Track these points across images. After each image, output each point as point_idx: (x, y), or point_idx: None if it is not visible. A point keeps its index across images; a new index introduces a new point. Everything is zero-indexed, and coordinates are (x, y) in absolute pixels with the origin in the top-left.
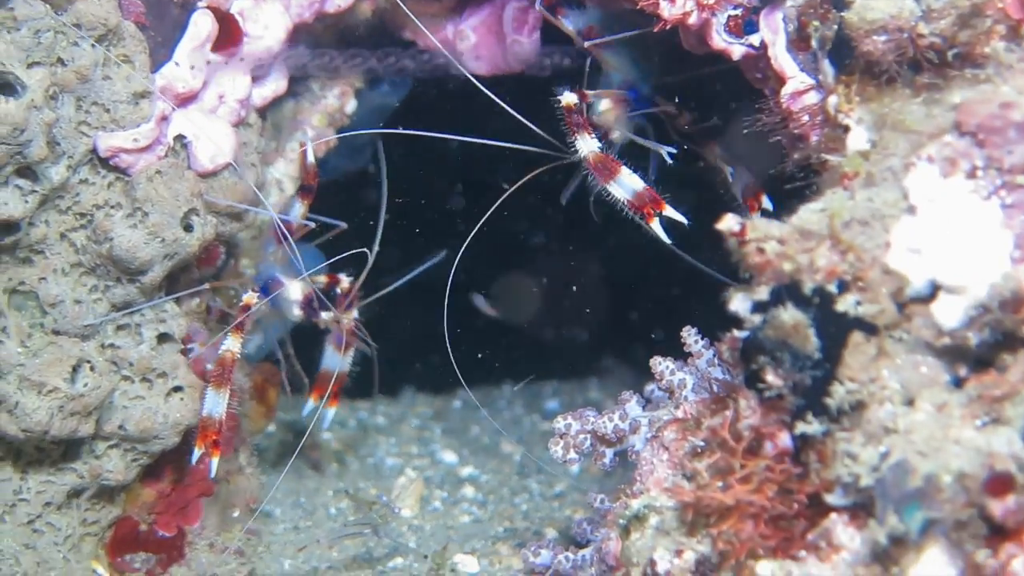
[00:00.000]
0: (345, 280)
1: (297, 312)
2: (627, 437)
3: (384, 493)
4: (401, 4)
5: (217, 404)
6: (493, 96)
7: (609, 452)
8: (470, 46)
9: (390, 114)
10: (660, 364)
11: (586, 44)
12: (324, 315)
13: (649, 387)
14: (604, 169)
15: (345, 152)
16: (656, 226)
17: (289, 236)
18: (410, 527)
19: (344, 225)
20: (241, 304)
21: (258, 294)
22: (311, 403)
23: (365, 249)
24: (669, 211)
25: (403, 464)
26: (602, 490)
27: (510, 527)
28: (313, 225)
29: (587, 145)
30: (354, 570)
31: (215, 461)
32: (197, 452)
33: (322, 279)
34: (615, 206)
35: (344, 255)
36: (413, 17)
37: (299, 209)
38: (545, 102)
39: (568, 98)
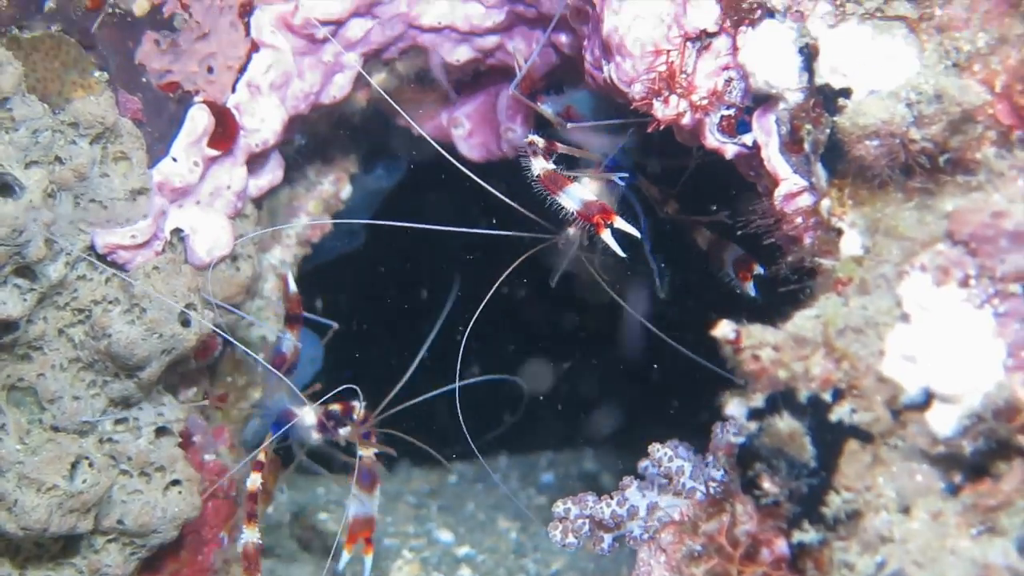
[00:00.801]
0: (359, 407)
1: (315, 436)
2: (625, 523)
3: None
4: (390, 100)
5: (254, 537)
6: (485, 184)
7: (607, 537)
8: (464, 133)
9: (385, 198)
10: (658, 451)
11: (568, 126)
12: (342, 432)
13: (644, 463)
14: (553, 183)
15: (340, 235)
16: (607, 237)
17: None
18: None
19: (335, 325)
20: (248, 490)
21: (259, 472)
22: (346, 555)
23: (355, 387)
24: (620, 223)
25: (400, 545)
26: (598, 568)
27: None
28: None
29: (538, 164)
30: None
31: None
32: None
33: (336, 408)
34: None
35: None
36: (405, 113)
37: (289, 342)
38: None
39: (531, 137)
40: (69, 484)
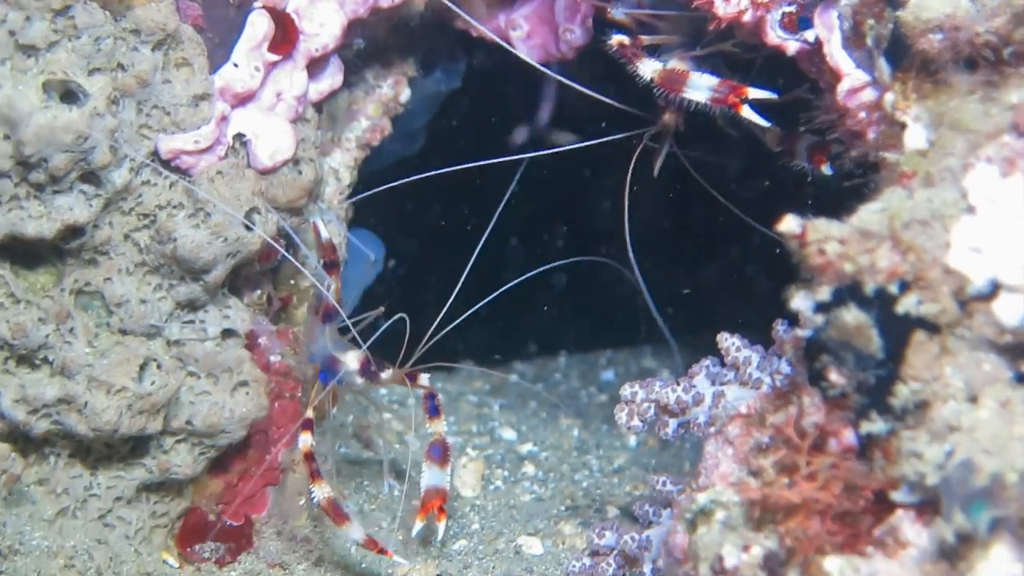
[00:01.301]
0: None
1: (360, 380)
2: (690, 409)
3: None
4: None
5: (355, 532)
6: (558, 77)
7: (672, 422)
8: (522, 35)
9: (443, 101)
10: (726, 340)
11: (636, 11)
12: (384, 375)
13: (706, 361)
14: (673, 80)
15: (400, 138)
16: (748, 113)
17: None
18: (472, 507)
19: (373, 256)
20: (301, 452)
21: (310, 425)
22: (418, 523)
23: (403, 315)
24: (755, 92)
25: (463, 443)
26: (659, 464)
27: (571, 505)
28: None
29: (649, 67)
30: (419, 553)
31: (396, 558)
32: (338, 529)
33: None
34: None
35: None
36: (462, 12)
37: (333, 285)
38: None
39: (618, 38)
40: (138, 386)
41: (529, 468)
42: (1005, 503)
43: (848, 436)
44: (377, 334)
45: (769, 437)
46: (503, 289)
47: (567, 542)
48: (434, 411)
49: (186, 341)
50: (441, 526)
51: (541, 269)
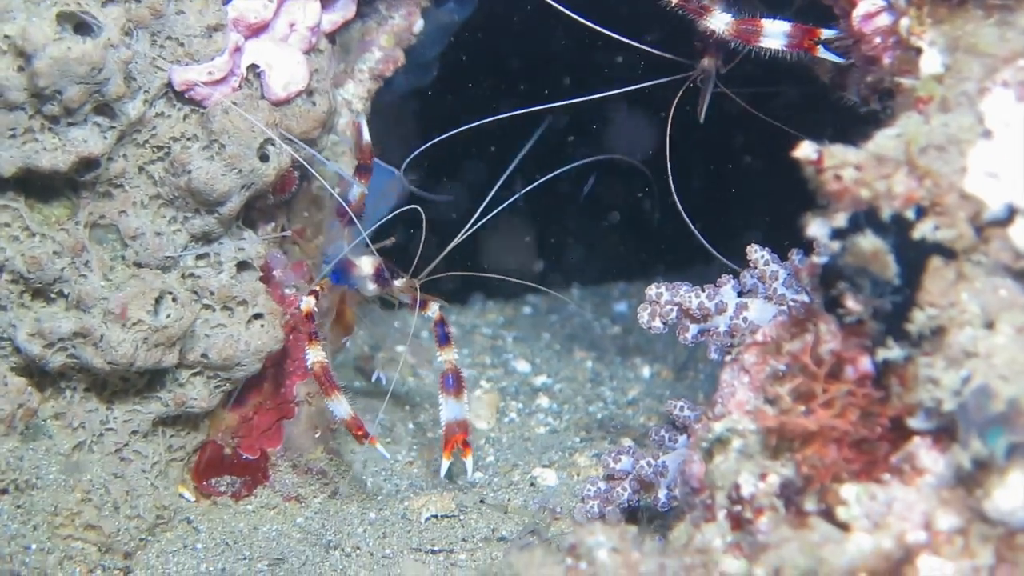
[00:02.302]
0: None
1: (372, 287)
2: (712, 316)
3: None
4: None
5: (342, 407)
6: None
7: (693, 327)
8: None
9: (456, 31)
10: (756, 252)
11: None
12: (397, 283)
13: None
14: (749, 31)
15: (413, 70)
16: (824, 54)
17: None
18: (487, 440)
19: (397, 172)
20: (303, 313)
21: (313, 295)
22: (445, 462)
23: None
24: (827, 33)
25: (477, 376)
26: (674, 394)
27: (586, 437)
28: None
29: (720, 19)
30: (434, 486)
31: (379, 446)
32: (364, 446)
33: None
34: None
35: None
36: None
37: (357, 190)
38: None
39: None
40: (153, 319)
41: (543, 400)
42: (1022, 429)
43: (865, 363)
44: (388, 216)
45: (785, 365)
46: (519, 194)
47: (581, 473)
48: (444, 339)
49: (201, 274)
50: (469, 461)
51: (551, 175)
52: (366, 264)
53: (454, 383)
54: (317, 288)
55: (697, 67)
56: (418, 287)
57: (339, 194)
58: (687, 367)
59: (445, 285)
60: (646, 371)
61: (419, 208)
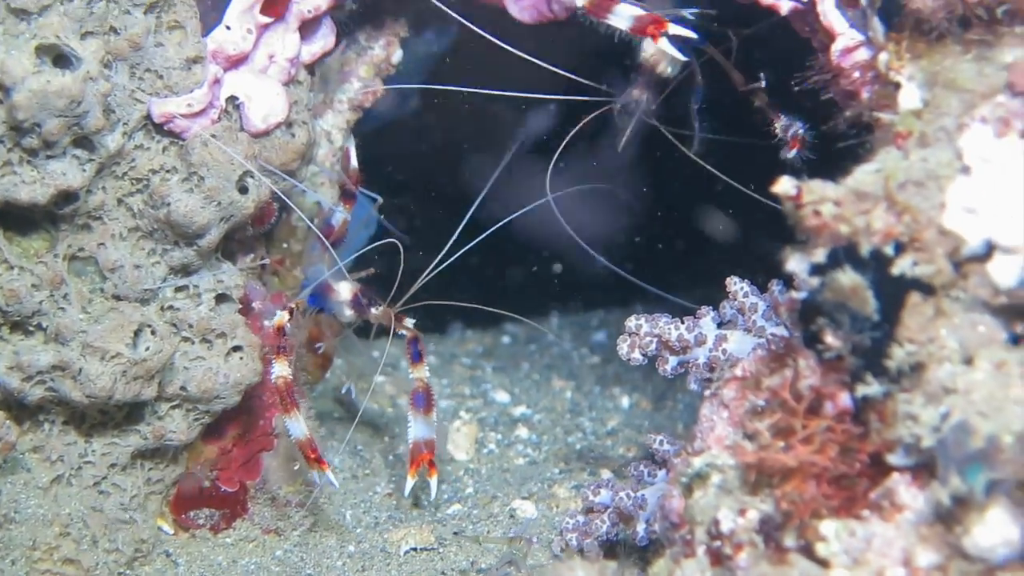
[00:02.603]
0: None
1: (348, 312)
2: (691, 348)
3: (440, 437)
4: None
5: (298, 427)
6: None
7: (672, 359)
8: None
9: (436, 63)
10: (735, 284)
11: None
12: (374, 311)
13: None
14: (599, 7)
15: (393, 100)
16: (664, 45)
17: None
18: (467, 471)
19: (379, 199)
20: (275, 327)
21: (288, 310)
22: (410, 480)
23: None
24: (675, 28)
25: (456, 406)
26: (653, 426)
27: (565, 468)
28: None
29: None
30: (413, 519)
31: (329, 474)
32: (315, 474)
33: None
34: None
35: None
36: None
37: (340, 215)
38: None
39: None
40: (132, 351)
41: (522, 431)
42: (1001, 465)
43: (844, 399)
44: (365, 250)
45: (765, 400)
46: (494, 228)
47: (561, 505)
48: (417, 356)
49: (180, 306)
50: (433, 482)
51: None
52: (344, 289)
53: (424, 401)
54: (292, 305)
55: (622, 96)
56: (393, 316)
57: (322, 218)
58: (666, 397)
59: (423, 313)
60: (625, 401)
61: (397, 242)
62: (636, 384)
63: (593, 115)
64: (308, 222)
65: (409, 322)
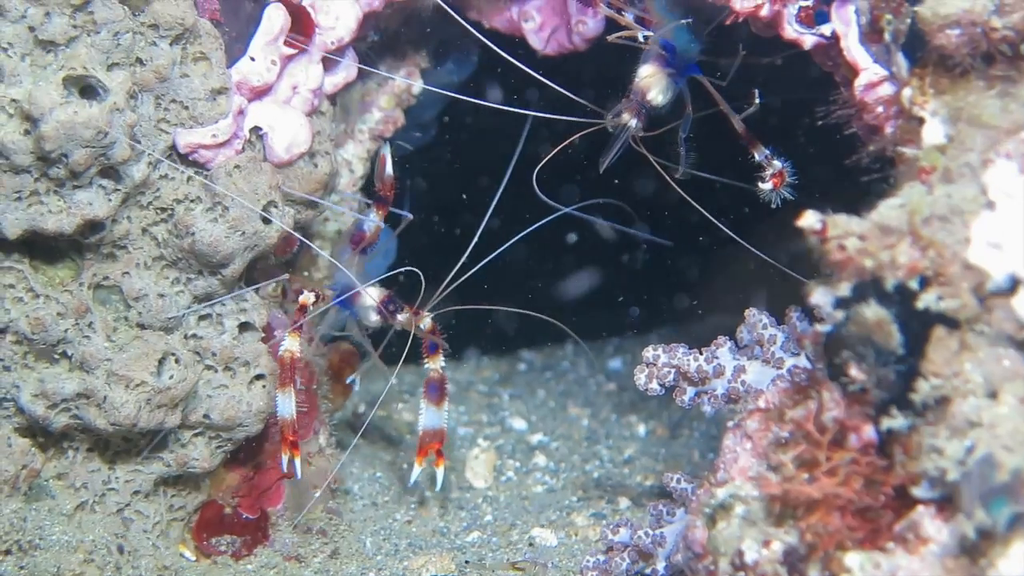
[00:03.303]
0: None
1: (375, 317)
2: (710, 379)
3: (458, 465)
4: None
5: (286, 405)
6: (538, 75)
7: (690, 390)
8: (535, 26)
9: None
10: (754, 316)
11: (644, 36)
12: (400, 317)
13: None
14: None
15: (412, 128)
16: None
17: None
18: (485, 499)
19: (410, 216)
20: (298, 305)
21: (315, 293)
22: (417, 468)
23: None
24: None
25: (474, 434)
26: (669, 454)
27: (583, 496)
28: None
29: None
30: (433, 546)
31: (297, 461)
32: (285, 458)
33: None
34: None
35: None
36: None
37: (374, 220)
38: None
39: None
40: (157, 380)
41: (540, 459)
42: None
43: (868, 432)
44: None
45: (789, 432)
46: (509, 243)
47: (580, 533)
48: (433, 348)
49: (203, 335)
50: (440, 471)
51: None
52: (373, 293)
53: (437, 391)
54: (319, 292)
55: (612, 116)
56: (415, 324)
57: (355, 222)
58: (682, 425)
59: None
60: (641, 429)
61: (418, 271)
62: (652, 412)
63: (579, 134)
64: (325, 254)
65: (427, 319)
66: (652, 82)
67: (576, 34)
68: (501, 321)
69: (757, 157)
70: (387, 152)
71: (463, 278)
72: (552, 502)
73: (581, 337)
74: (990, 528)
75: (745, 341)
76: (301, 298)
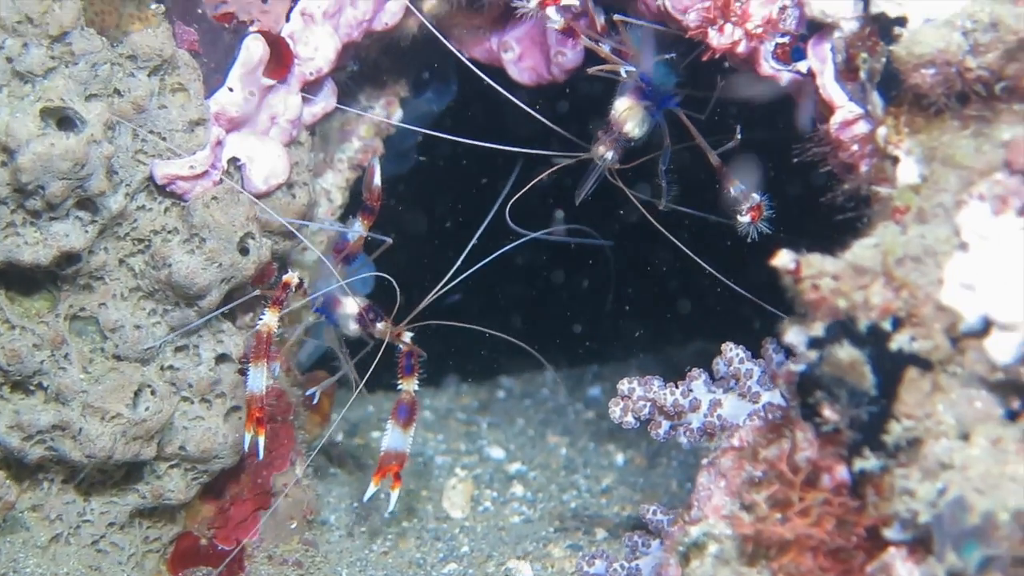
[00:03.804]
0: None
1: (353, 326)
2: (685, 413)
3: (435, 495)
4: (437, 32)
5: (258, 380)
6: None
7: (665, 424)
8: (514, 57)
9: (434, 121)
10: (731, 351)
11: (615, 17)
12: (379, 326)
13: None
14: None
15: (392, 157)
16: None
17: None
18: (462, 529)
19: (390, 240)
20: (281, 283)
21: (298, 276)
22: (373, 487)
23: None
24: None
25: (452, 462)
26: (647, 483)
27: (560, 527)
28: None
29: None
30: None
31: (261, 440)
32: (247, 436)
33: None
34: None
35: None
36: (449, 42)
37: (358, 228)
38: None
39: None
40: (132, 412)
41: (518, 488)
42: (996, 542)
43: (841, 472)
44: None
45: (762, 471)
46: (483, 263)
47: (556, 565)
48: (409, 369)
49: (180, 366)
50: (394, 495)
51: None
52: (351, 304)
53: (406, 414)
54: (300, 278)
55: (590, 150)
56: (393, 335)
57: (338, 233)
58: (660, 454)
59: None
60: (620, 458)
61: (390, 279)
62: (631, 441)
63: (556, 168)
64: (323, 256)
65: (407, 336)
66: (629, 115)
67: (555, 65)
68: (480, 348)
69: (732, 192)
70: (376, 164)
71: (439, 290)
72: (529, 533)
73: (562, 364)
74: (961, 571)
75: (721, 373)
76: (285, 277)
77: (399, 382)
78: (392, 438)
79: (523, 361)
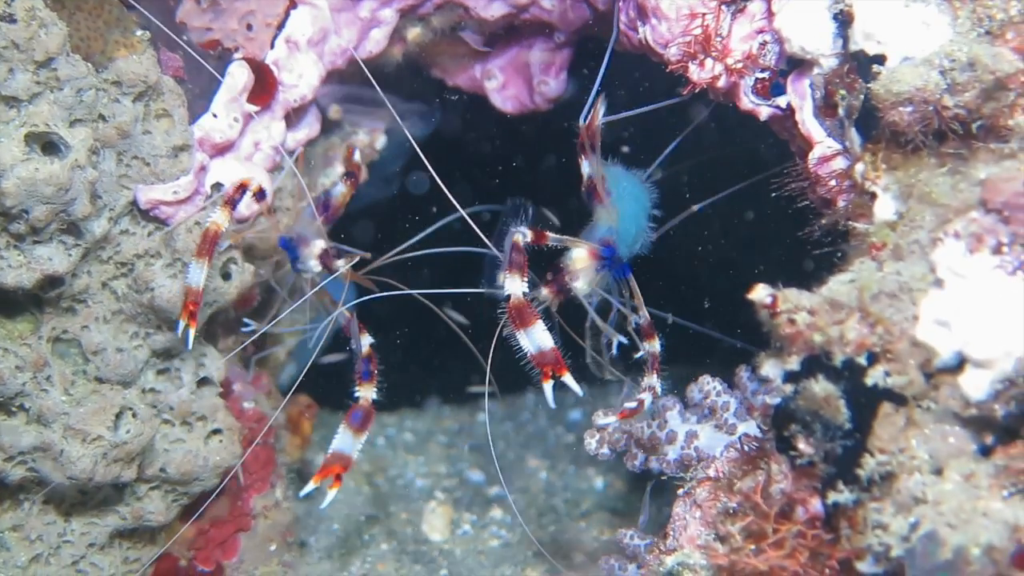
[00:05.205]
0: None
1: (312, 263)
2: (662, 446)
3: (415, 517)
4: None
5: (196, 275)
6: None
7: (641, 456)
8: (497, 85)
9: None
10: (708, 384)
11: (599, 121)
12: (340, 262)
13: (691, 389)
14: (519, 317)
15: (376, 183)
16: (548, 389)
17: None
18: (441, 552)
19: (367, 255)
20: (238, 183)
21: (259, 184)
22: (311, 484)
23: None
24: (568, 380)
25: (432, 485)
26: (626, 508)
27: (538, 551)
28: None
29: (514, 286)
30: None
31: (191, 331)
32: (181, 324)
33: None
34: None
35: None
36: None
37: (341, 188)
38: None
39: (519, 236)
40: (113, 434)
41: (497, 512)
42: None
43: (815, 505)
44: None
45: (737, 503)
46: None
47: None
48: (367, 376)
49: (161, 389)
50: (331, 495)
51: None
52: (317, 245)
53: (359, 421)
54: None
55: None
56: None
57: (322, 191)
58: (640, 478)
59: (399, 389)
60: (599, 482)
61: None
62: (611, 465)
63: (487, 290)
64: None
65: (368, 340)
66: (580, 273)
67: (538, 94)
68: (461, 370)
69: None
70: (356, 148)
71: (400, 251)
72: (507, 556)
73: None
74: None
75: (695, 400)
76: (243, 178)
77: (356, 389)
78: (341, 441)
79: (505, 383)
